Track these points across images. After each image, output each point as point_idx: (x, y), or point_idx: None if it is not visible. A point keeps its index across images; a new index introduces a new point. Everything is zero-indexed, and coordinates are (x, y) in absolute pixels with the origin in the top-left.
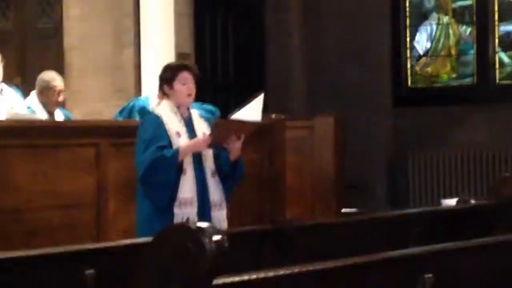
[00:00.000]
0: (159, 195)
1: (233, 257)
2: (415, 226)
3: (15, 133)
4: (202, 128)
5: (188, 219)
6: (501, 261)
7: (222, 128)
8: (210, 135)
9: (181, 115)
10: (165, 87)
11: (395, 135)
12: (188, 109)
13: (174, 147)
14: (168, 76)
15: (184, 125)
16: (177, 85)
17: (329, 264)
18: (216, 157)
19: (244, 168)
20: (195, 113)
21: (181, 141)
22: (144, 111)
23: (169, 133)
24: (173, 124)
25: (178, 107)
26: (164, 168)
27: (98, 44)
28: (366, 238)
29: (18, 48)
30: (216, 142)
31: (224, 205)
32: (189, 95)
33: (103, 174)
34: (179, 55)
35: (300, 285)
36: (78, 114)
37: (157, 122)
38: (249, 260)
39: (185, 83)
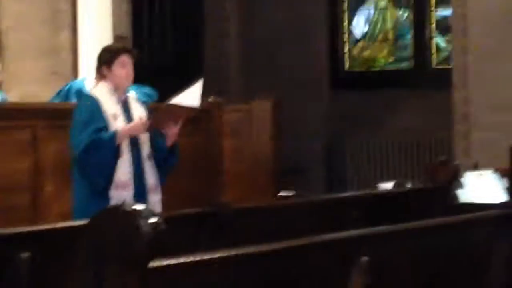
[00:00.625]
0: (95, 178)
1: (170, 241)
2: (352, 209)
3: None
4: (139, 112)
5: (124, 201)
6: (436, 244)
7: (160, 112)
8: (148, 119)
9: (118, 97)
10: (104, 69)
11: (332, 118)
12: (125, 92)
13: (111, 129)
14: (107, 58)
15: (121, 107)
16: (116, 68)
17: (266, 247)
18: (152, 141)
19: (178, 154)
20: (131, 96)
21: (118, 123)
22: (81, 94)
23: (105, 115)
24: (110, 106)
25: (115, 89)
26: (101, 151)
27: (34, 26)
28: (303, 221)
29: None
30: (154, 126)
31: (159, 189)
32: (128, 77)
33: (40, 157)
34: (116, 37)
35: (237, 268)
36: (14, 96)
37: (94, 104)
38: (186, 243)
39: (125, 67)
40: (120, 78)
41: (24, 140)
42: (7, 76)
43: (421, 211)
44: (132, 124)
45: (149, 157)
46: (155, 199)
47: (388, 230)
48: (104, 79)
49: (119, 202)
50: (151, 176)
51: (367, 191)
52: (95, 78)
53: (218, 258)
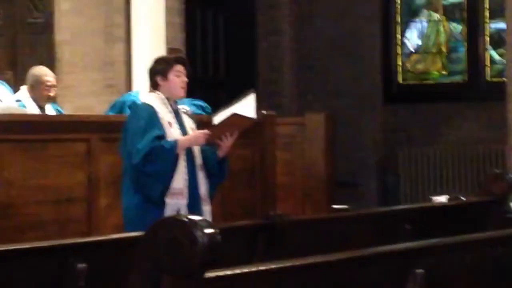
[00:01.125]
0: (153, 185)
1: (225, 251)
2: (405, 223)
3: (6, 127)
4: (189, 123)
5: (179, 210)
6: (491, 256)
7: (222, 124)
8: (210, 130)
9: (171, 106)
10: (159, 78)
11: (386, 132)
12: (176, 102)
13: (168, 136)
14: (162, 68)
15: (174, 116)
16: (172, 76)
17: (319, 258)
18: (202, 153)
19: (229, 168)
20: (181, 107)
21: (173, 131)
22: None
23: (162, 122)
24: (165, 114)
25: (168, 99)
26: (162, 159)
27: (89, 39)
28: (356, 234)
29: (9, 43)
30: (215, 138)
31: (208, 200)
32: (183, 88)
33: (94, 169)
34: (170, 50)
35: (291, 279)
36: (69, 109)
37: (151, 112)
38: (240, 254)
39: (179, 76)
40: (176, 86)
41: (79, 152)
42: (61, 89)
43: (475, 224)
44: (193, 134)
45: (201, 168)
46: (207, 210)
47: (443, 242)
48: (157, 89)
49: (174, 211)
50: (202, 186)
51: (421, 204)
52: (149, 90)
53: (272, 269)
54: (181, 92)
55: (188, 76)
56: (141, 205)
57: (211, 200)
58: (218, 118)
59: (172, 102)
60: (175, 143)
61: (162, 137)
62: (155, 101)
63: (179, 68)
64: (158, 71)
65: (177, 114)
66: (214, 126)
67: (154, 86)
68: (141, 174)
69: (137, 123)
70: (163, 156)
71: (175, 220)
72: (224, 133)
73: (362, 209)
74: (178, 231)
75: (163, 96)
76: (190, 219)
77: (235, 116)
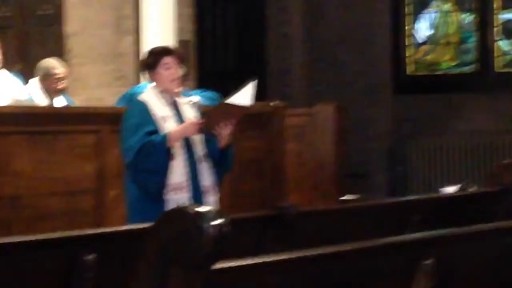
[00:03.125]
0: (148, 181)
1: (233, 243)
2: (415, 213)
3: (16, 119)
4: (190, 114)
5: (182, 204)
6: (501, 246)
7: (212, 113)
8: (202, 119)
9: (167, 100)
10: (149, 73)
11: (395, 122)
12: (177, 93)
13: (162, 131)
14: (150, 62)
15: (172, 110)
16: (160, 70)
17: (329, 249)
18: (207, 142)
19: (234, 156)
20: (184, 99)
21: (168, 126)
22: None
23: (155, 118)
24: (159, 109)
25: (164, 92)
26: (153, 154)
27: (98, 30)
28: (366, 225)
29: (18, 35)
30: (207, 127)
31: (216, 190)
32: (173, 80)
33: (103, 161)
34: (179, 42)
35: (300, 270)
36: (79, 100)
37: (142, 108)
38: (249, 245)
39: (169, 68)
40: (165, 80)
41: (89, 144)
42: (71, 81)
43: (485, 215)
44: (182, 126)
45: (204, 158)
46: (212, 200)
47: (453, 232)
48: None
49: (175, 205)
50: (206, 178)
51: (430, 195)
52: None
53: (281, 260)
54: (173, 85)
55: (189, 66)
56: (142, 200)
57: (218, 191)
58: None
59: (170, 94)
60: (165, 136)
61: (154, 132)
62: (150, 95)
63: (168, 60)
64: (147, 65)
65: (175, 106)
66: (206, 115)
67: (150, 79)
68: (137, 171)
69: (129, 121)
70: (154, 150)
71: (183, 211)
72: (218, 122)
73: (371, 200)
74: (186, 223)
75: (157, 90)
76: (197, 211)
77: (225, 104)
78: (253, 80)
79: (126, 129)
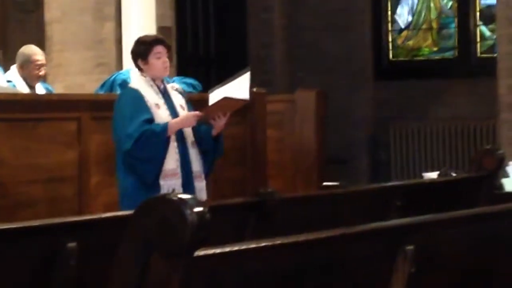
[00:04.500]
0: (146, 169)
1: (215, 230)
2: (396, 199)
3: None
4: (178, 100)
5: (173, 190)
6: (481, 232)
7: (213, 106)
8: (201, 111)
9: (158, 87)
10: (140, 61)
11: (376, 108)
12: (163, 81)
13: (156, 119)
14: (142, 51)
15: (162, 97)
16: (152, 59)
17: (310, 236)
18: (196, 130)
19: (223, 144)
20: (169, 85)
21: (161, 113)
22: (125, 85)
23: (148, 105)
24: (151, 96)
25: (154, 80)
26: (153, 143)
27: (79, 17)
28: (347, 211)
29: None
30: (206, 118)
31: (203, 176)
32: (165, 69)
33: (85, 148)
34: (160, 28)
35: (281, 257)
36: (59, 87)
37: (136, 96)
38: (231, 232)
39: (160, 57)
40: (157, 69)
41: (70, 131)
42: (51, 68)
43: (466, 200)
44: (182, 117)
45: (193, 145)
46: (201, 186)
47: (433, 218)
48: (141, 72)
49: (169, 191)
50: (196, 164)
51: (412, 180)
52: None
53: (263, 247)
54: (164, 73)
55: (172, 54)
56: (135, 188)
57: (208, 176)
58: (214, 95)
59: (159, 82)
60: (165, 126)
61: (150, 120)
62: (141, 83)
63: (159, 49)
64: (138, 54)
65: (165, 94)
66: (206, 107)
67: (138, 68)
68: (134, 159)
69: (124, 109)
70: (154, 140)
71: (164, 199)
72: (216, 114)
73: (352, 186)
74: (166, 210)
75: (148, 78)
76: (179, 198)
77: (227, 99)
78: (246, 70)
79: (121, 118)
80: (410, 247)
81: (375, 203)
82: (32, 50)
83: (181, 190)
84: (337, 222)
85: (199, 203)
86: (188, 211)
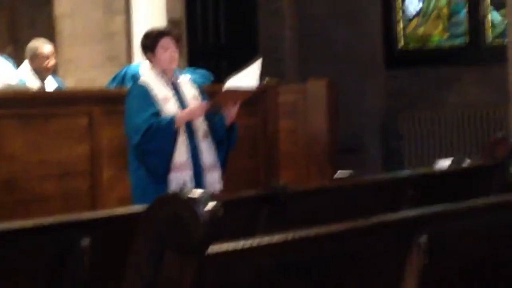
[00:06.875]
0: (154, 162)
1: (227, 224)
2: (409, 189)
3: (8, 103)
4: (191, 93)
5: (184, 185)
6: (496, 222)
7: (219, 97)
8: (207, 103)
9: (167, 80)
10: (148, 54)
11: (388, 97)
12: (174, 74)
13: (164, 112)
14: (148, 44)
15: (172, 89)
16: (159, 52)
17: (324, 229)
18: (209, 120)
19: (237, 134)
20: (183, 77)
21: (170, 106)
22: (136, 78)
23: (156, 99)
24: (160, 90)
25: (163, 73)
26: (160, 136)
27: (89, 11)
28: (360, 201)
29: (9, 17)
30: (213, 110)
31: (217, 167)
32: (172, 60)
33: (96, 143)
34: (170, 21)
35: (295, 251)
36: (70, 82)
37: (143, 91)
38: (244, 226)
39: (167, 49)
40: (164, 61)
41: (81, 126)
42: (63, 62)
43: (478, 189)
44: (190, 108)
45: (204, 137)
46: (214, 177)
47: (446, 208)
48: (152, 64)
49: (179, 184)
50: (207, 155)
51: (424, 169)
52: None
53: (276, 243)
54: (172, 65)
55: (182, 45)
56: (146, 181)
57: (224, 167)
58: (227, 85)
59: (170, 74)
60: (173, 119)
61: (158, 114)
62: (150, 76)
63: (166, 41)
64: (146, 47)
65: (175, 86)
66: (212, 99)
67: (150, 61)
68: (143, 152)
69: (132, 104)
70: (161, 132)
71: (175, 195)
72: (225, 103)
73: (365, 176)
74: (178, 208)
75: (158, 70)
76: (190, 195)
77: (232, 89)
78: (257, 59)
79: (130, 112)
80: (423, 239)
81: (388, 193)
82: (38, 42)
83: (192, 183)
84: (350, 214)
85: (211, 199)
86: (200, 208)
